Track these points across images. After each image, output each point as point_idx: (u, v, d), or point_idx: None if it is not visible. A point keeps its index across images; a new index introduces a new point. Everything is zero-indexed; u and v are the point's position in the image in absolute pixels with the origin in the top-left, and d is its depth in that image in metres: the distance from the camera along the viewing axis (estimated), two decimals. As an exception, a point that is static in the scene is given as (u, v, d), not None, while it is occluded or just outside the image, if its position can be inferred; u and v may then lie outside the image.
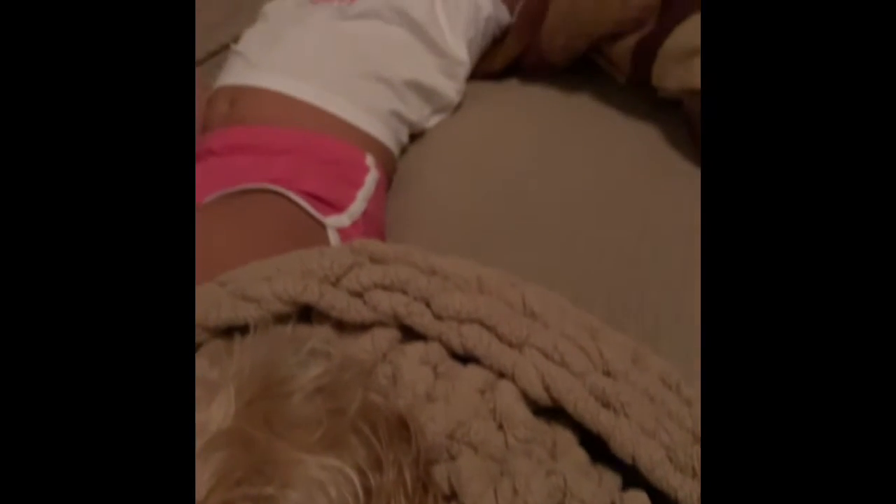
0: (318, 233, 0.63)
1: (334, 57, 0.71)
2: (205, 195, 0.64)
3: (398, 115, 0.74)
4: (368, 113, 0.71)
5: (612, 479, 0.41)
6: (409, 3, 0.73)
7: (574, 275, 0.58)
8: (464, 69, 0.78)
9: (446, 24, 0.75)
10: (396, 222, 0.72)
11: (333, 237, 0.64)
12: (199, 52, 0.90)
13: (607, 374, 0.43)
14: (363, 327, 0.46)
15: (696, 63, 0.61)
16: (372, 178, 0.68)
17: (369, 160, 0.69)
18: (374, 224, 0.67)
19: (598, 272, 0.57)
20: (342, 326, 0.46)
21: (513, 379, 0.44)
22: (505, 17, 0.78)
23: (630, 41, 0.65)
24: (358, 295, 0.45)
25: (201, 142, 0.71)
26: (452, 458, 0.41)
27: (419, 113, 0.76)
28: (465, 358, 0.45)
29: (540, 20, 0.73)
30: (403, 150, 0.78)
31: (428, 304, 0.45)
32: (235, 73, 0.73)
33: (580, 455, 0.42)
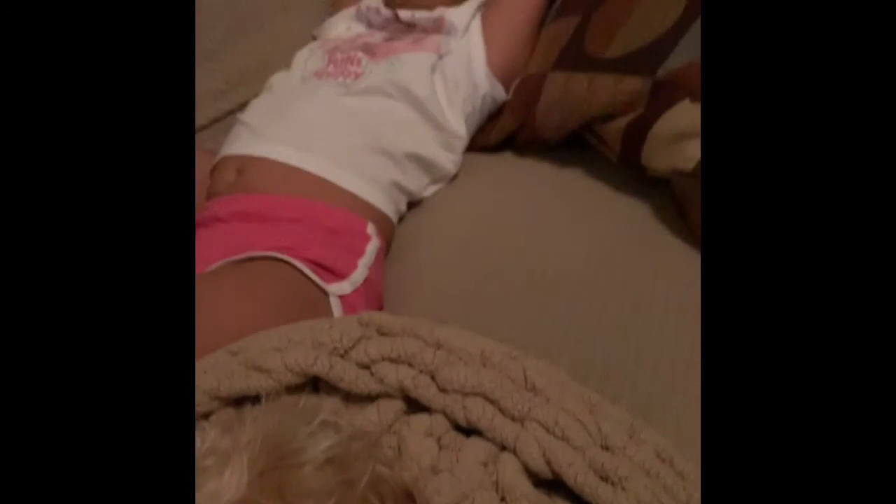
0: (320, 299, 0.65)
1: (339, 130, 0.74)
2: (211, 261, 0.66)
3: (398, 186, 0.77)
4: (370, 183, 0.74)
5: (612, 553, 0.42)
6: (410, 81, 0.76)
7: (570, 348, 0.60)
8: (461, 142, 0.81)
9: (445, 100, 0.79)
10: (393, 289, 0.74)
11: (335, 304, 0.65)
12: (202, 118, 0.93)
13: (605, 448, 0.45)
14: (370, 398, 0.48)
15: (684, 146, 0.64)
16: (373, 246, 0.70)
17: (370, 229, 0.72)
18: (374, 291, 0.69)
19: (593, 345, 0.59)
20: (349, 397, 0.48)
21: (515, 452, 0.45)
22: (501, 94, 0.82)
23: (621, 123, 0.69)
24: (366, 367, 0.47)
25: (206, 207, 0.73)
26: (457, 529, 0.43)
27: (418, 183, 0.79)
28: (469, 430, 0.47)
29: (534, 99, 0.77)
30: (401, 218, 0.80)
31: (433, 377, 0.47)
32: (242, 143, 0.75)
33: (580, 527, 0.43)
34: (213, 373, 0.47)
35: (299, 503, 0.40)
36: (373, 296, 0.69)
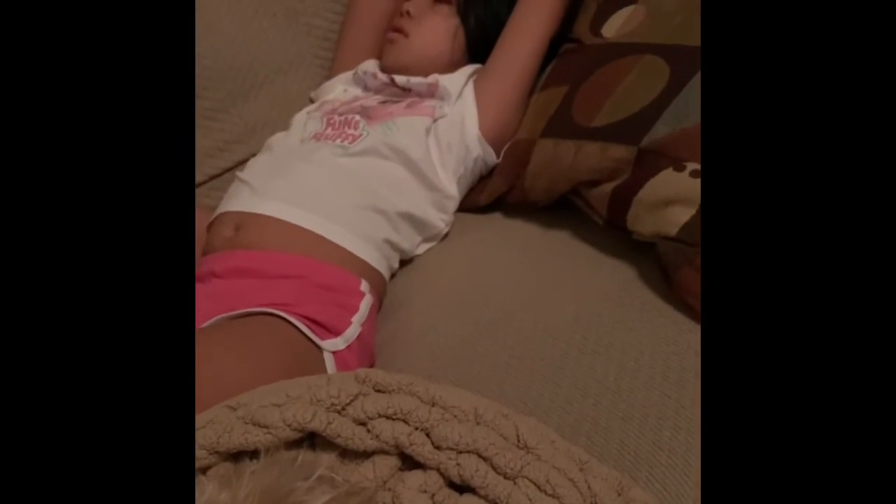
0: (315, 355, 0.66)
1: (335, 189, 0.77)
2: (208, 316, 0.67)
3: (391, 244, 0.79)
4: (364, 241, 0.76)
5: None
6: (405, 144, 0.79)
7: (558, 407, 0.61)
8: (453, 203, 0.84)
9: (439, 162, 0.82)
10: (386, 345, 0.75)
11: (329, 360, 0.67)
12: (200, 175, 0.95)
13: (595, 506, 0.46)
14: (365, 454, 0.49)
15: (668, 212, 0.67)
16: (366, 303, 0.72)
17: (364, 286, 0.74)
18: (366, 347, 0.71)
19: (581, 405, 0.61)
20: (345, 453, 0.49)
21: (508, 510, 0.46)
22: (492, 157, 0.85)
23: (607, 188, 0.72)
24: (362, 423, 0.48)
25: (203, 263, 0.75)
26: (450, 586, 0.43)
27: (410, 241, 0.81)
28: (462, 487, 0.48)
29: (524, 164, 0.80)
30: (393, 275, 0.82)
31: (428, 434, 0.48)
32: (241, 200, 0.77)
33: (571, 585, 0.44)
34: (211, 427, 0.48)
35: (297, 558, 0.41)
36: (365, 352, 0.70)
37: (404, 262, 0.83)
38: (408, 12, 0.90)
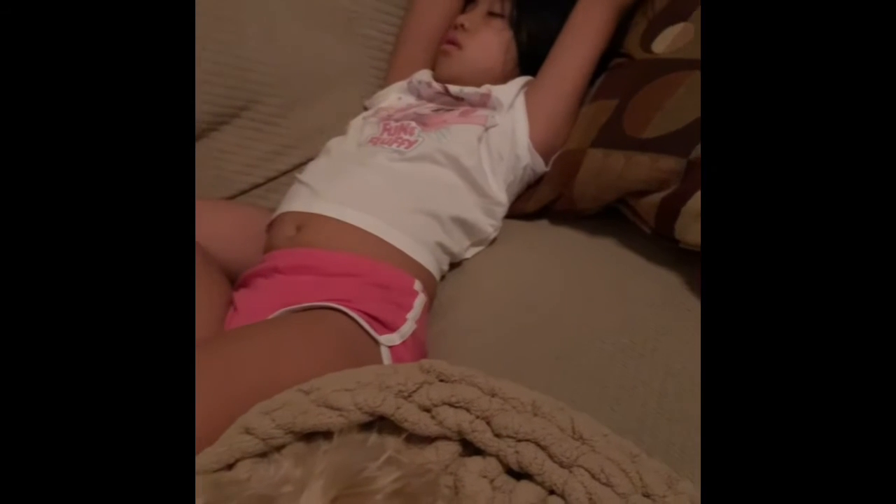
0: (372, 349, 0.69)
1: (391, 193, 0.80)
2: (272, 309, 0.71)
3: (442, 247, 0.82)
4: (418, 243, 0.79)
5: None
6: (458, 151, 0.83)
7: (604, 409, 0.64)
8: (502, 209, 0.87)
9: (490, 169, 0.85)
10: (435, 344, 0.78)
11: (385, 354, 0.70)
12: (258, 177, 0.99)
13: (647, 495, 0.49)
14: (428, 439, 0.52)
15: (715, 222, 0.69)
16: (420, 301, 0.75)
17: (417, 286, 0.77)
18: (419, 344, 0.74)
19: (628, 405, 0.63)
20: (409, 437, 0.52)
21: (563, 496, 0.49)
22: (541, 166, 0.88)
23: (655, 198, 0.74)
24: (427, 410, 0.51)
25: (265, 259, 0.79)
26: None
27: (460, 245, 0.84)
28: (519, 474, 0.51)
29: (573, 173, 0.82)
30: (443, 277, 0.85)
31: (489, 423, 0.51)
32: (302, 202, 0.81)
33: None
34: (287, 409, 0.52)
35: (370, 529, 0.44)
36: (418, 349, 0.73)
37: (453, 264, 0.86)
38: (462, 25, 0.93)
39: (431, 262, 0.81)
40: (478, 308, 0.81)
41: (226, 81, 0.96)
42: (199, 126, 0.97)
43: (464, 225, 0.83)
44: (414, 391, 0.52)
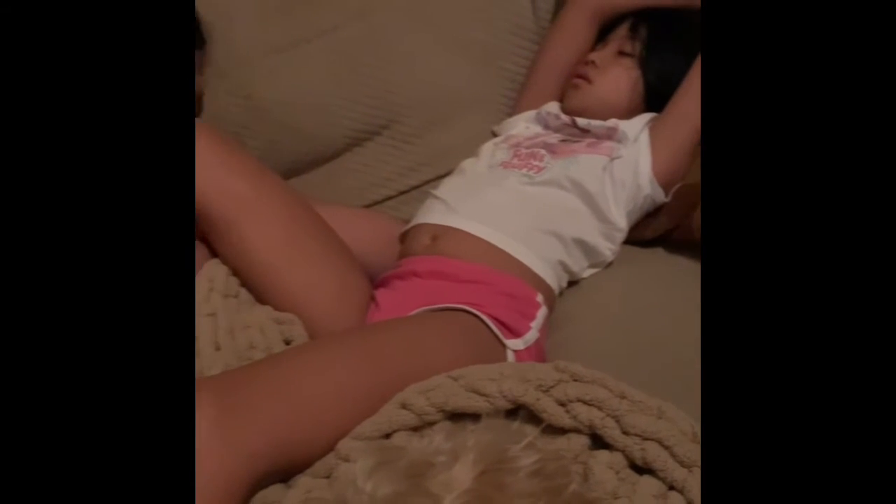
0: (499, 351, 0.76)
1: (520, 213, 0.87)
2: (411, 307, 0.79)
3: (563, 265, 0.88)
4: (542, 260, 0.86)
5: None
6: (584, 178, 0.89)
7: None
8: (621, 234, 0.93)
9: (612, 197, 0.91)
10: (553, 354, 0.84)
11: (510, 357, 0.77)
12: (392, 190, 1.08)
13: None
14: (561, 431, 0.58)
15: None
16: (542, 313, 0.82)
17: (539, 298, 0.83)
18: (540, 352, 0.80)
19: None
20: (544, 427, 0.58)
21: (681, 492, 0.54)
22: (660, 197, 0.93)
23: (773, 234, 0.79)
24: (562, 405, 0.58)
25: (402, 264, 0.87)
26: (632, 546, 0.52)
27: (579, 265, 0.91)
28: (641, 470, 0.57)
29: (693, 205, 0.88)
30: (561, 293, 0.92)
31: (618, 421, 0.57)
32: (437, 215, 0.89)
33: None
34: (439, 391, 0.59)
35: (516, 499, 0.50)
36: (539, 356, 0.80)
37: (571, 282, 0.93)
38: (593, 62, 1.00)
39: (552, 278, 0.87)
40: (593, 324, 0.87)
41: (371, 102, 1.06)
42: (344, 141, 1.07)
43: (584, 247, 0.90)
44: (552, 386, 0.58)
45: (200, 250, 0.81)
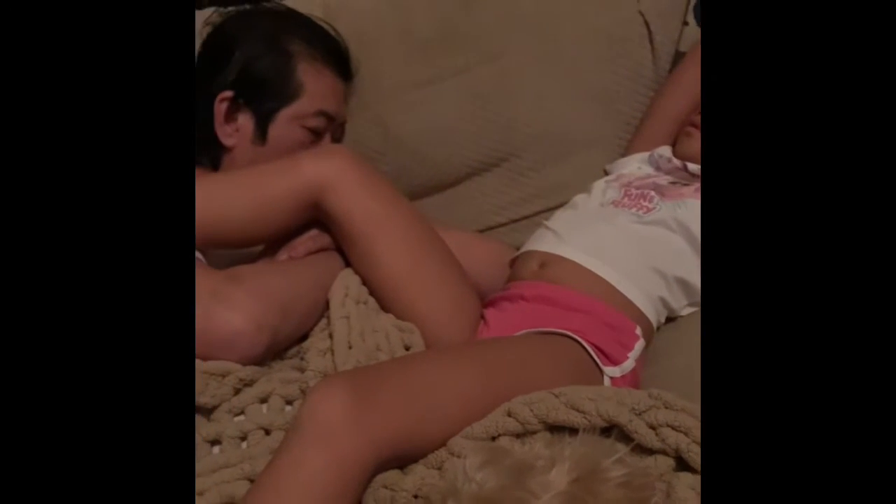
0: (596, 376, 0.83)
1: (627, 249, 0.94)
2: (518, 328, 0.87)
3: (664, 301, 0.94)
4: (644, 295, 0.92)
5: None
6: (691, 221, 0.95)
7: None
8: (721, 278, 0.97)
9: (716, 241, 0.96)
10: (646, 385, 0.90)
11: (607, 383, 0.83)
12: (505, 218, 1.17)
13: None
14: (649, 452, 0.65)
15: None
16: (640, 345, 0.88)
17: (638, 331, 0.90)
18: (636, 381, 0.86)
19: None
20: (634, 447, 0.65)
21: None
22: (764, 245, 0.97)
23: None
24: (652, 428, 0.64)
25: (510, 287, 0.95)
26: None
27: (678, 303, 0.96)
28: (721, 495, 0.62)
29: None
30: (659, 328, 0.97)
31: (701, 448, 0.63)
32: (547, 244, 0.97)
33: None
34: (541, 404, 0.67)
35: (603, 505, 0.57)
36: (634, 385, 0.86)
37: (670, 318, 0.98)
38: (707, 112, 1.06)
39: (652, 313, 0.93)
40: (687, 360, 0.92)
41: (494, 136, 1.16)
42: (466, 170, 1.17)
43: (685, 286, 0.95)
44: (644, 411, 0.65)
45: (337, 258, 0.93)
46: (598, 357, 0.84)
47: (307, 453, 0.61)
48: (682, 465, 0.64)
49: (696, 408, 0.66)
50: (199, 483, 0.68)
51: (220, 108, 1.02)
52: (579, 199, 1.06)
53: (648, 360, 0.94)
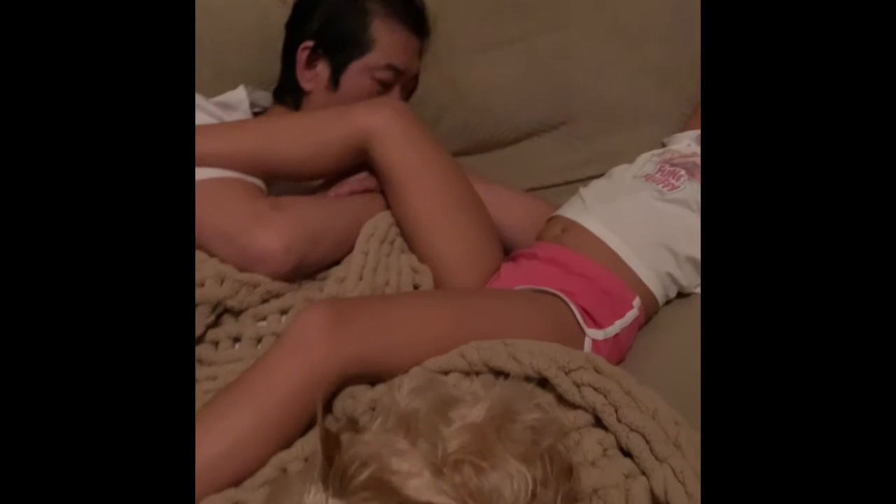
0: (578, 336, 0.90)
1: (642, 225, 0.98)
2: (518, 283, 0.95)
3: (672, 278, 0.98)
4: (651, 270, 0.97)
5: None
6: (712, 204, 0.97)
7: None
8: (737, 262, 1.00)
9: (735, 226, 0.98)
10: (640, 352, 0.96)
11: (588, 344, 0.90)
12: (559, 178, 1.24)
13: None
14: (571, 406, 0.73)
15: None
16: (631, 315, 0.94)
17: (636, 302, 0.95)
18: (619, 348, 0.93)
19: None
20: (561, 400, 0.73)
21: (648, 478, 0.67)
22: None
23: None
24: (577, 385, 0.72)
25: (534, 246, 1.03)
26: (591, 501, 0.66)
27: (689, 280, 1.00)
28: (626, 453, 0.69)
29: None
30: (669, 301, 1.02)
31: (616, 410, 0.70)
32: (574, 211, 1.04)
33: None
34: (490, 351, 0.76)
35: (506, 442, 0.66)
36: (616, 351, 0.92)
37: (683, 295, 1.02)
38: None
39: (657, 288, 0.98)
40: (686, 334, 0.97)
41: (555, 100, 1.21)
42: (525, 129, 1.24)
43: (696, 265, 0.98)
44: (573, 370, 0.73)
45: (378, 201, 1.05)
46: (585, 319, 0.91)
47: (283, 360, 0.75)
48: (599, 423, 0.72)
49: (626, 377, 0.73)
50: (216, 370, 0.84)
51: (302, 55, 1.16)
52: (618, 169, 1.11)
53: (648, 329, 0.99)
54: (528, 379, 0.75)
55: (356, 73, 1.15)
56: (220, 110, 1.09)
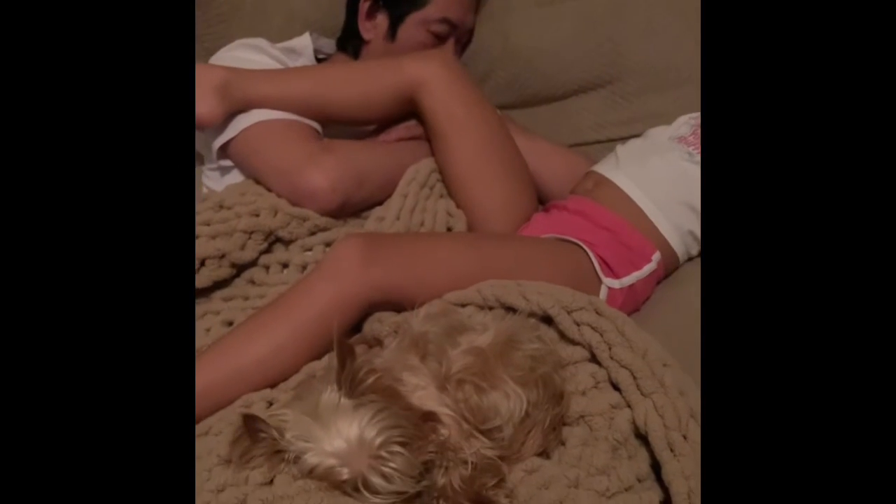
0: (595, 283, 0.96)
1: (669, 185, 1.03)
2: (547, 231, 1.02)
3: (694, 236, 1.03)
4: (673, 227, 1.02)
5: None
6: (738, 167, 1.01)
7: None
8: (761, 225, 1.03)
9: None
10: (655, 304, 1.02)
11: (603, 291, 0.97)
12: (601, 135, 1.28)
13: (684, 437, 0.71)
14: (571, 342, 0.80)
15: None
16: (649, 268, 0.99)
17: (656, 256, 1.00)
18: (634, 298, 0.99)
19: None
20: (563, 336, 0.81)
21: (632, 409, 0.74)
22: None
23: None
24: (577, 324, 0.79)
25: (568, 198, 1.09)
26: (577, 426, 0.74)
27: (712, 241, 1.04)
28: (616, 387, 0.77)
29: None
30: (691, 258, 1.06)
31: (609, 348, 0.77)
32: (607, 167, 1.09)
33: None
34: (503, 289, 0.84)
35: (506, 366, 0.74)
36: (631, 300, 0.98)
37: (704, 253, 1.07)
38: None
39: (679, 244, 1.03)
40: (696, 289, 1.02)
41: (603, 59, 1.25)
42: (572, 86, 1.29)
43: (719, 226, 1.03)
44: (575, 310, 0.80)
45: (424, 147, 1.13)
46: (602, 269, 0.97)
47: (319, 284, 0.85)
48: (594, 359, 0.79)
49: (622, 319, 0.79)
50: (265, 290, 0.96)
51: (364, 6, 1.23)
52: (655, 131, 1.15)
53: (669, 283, 1.05)
54: (535, 316, 0.82)
55: (413, 26, 1.22)
56: (285, 55, 1.18)
